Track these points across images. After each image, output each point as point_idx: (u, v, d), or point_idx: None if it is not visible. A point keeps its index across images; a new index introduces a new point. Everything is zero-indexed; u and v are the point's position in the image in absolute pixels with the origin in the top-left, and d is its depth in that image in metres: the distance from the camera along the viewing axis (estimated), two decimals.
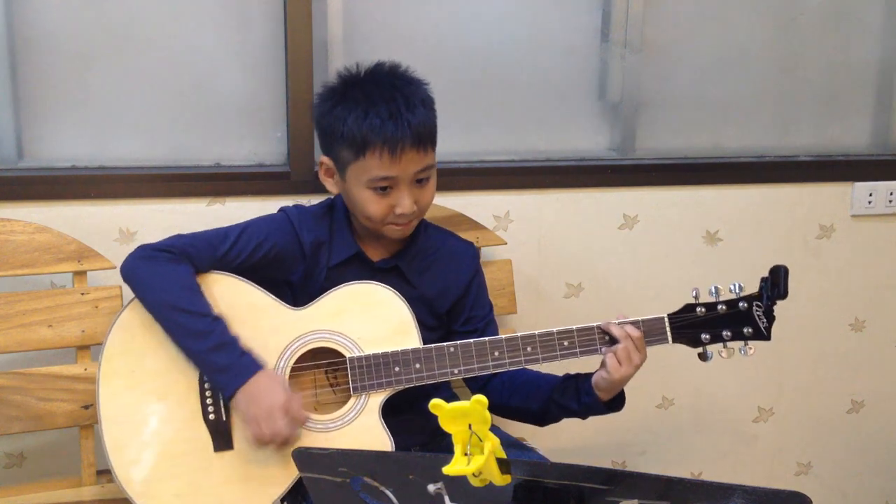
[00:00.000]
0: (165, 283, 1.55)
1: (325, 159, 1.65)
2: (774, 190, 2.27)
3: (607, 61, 2.17)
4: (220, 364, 1.52)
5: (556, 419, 1.70)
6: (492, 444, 0.99)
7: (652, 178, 2.18)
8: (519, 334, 1.58)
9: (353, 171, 1.59)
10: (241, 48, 1.96)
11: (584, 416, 1.66)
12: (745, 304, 1.59)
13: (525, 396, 1.69)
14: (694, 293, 1.59)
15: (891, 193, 2.33)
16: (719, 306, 1.59)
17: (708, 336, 1.60)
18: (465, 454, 0.99)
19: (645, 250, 2.21)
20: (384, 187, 1.58)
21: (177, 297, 1.54)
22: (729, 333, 1.60)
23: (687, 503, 0.98)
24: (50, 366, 1.76)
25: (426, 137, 1.58)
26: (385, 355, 1.57)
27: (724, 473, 2.38)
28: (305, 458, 1.13)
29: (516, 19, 2.10)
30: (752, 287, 1.61)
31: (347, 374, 1.58)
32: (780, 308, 2.32)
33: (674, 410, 2.32)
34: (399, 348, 1.58)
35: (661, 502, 0.99)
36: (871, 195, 2.32)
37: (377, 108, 1.55)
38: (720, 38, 2.23)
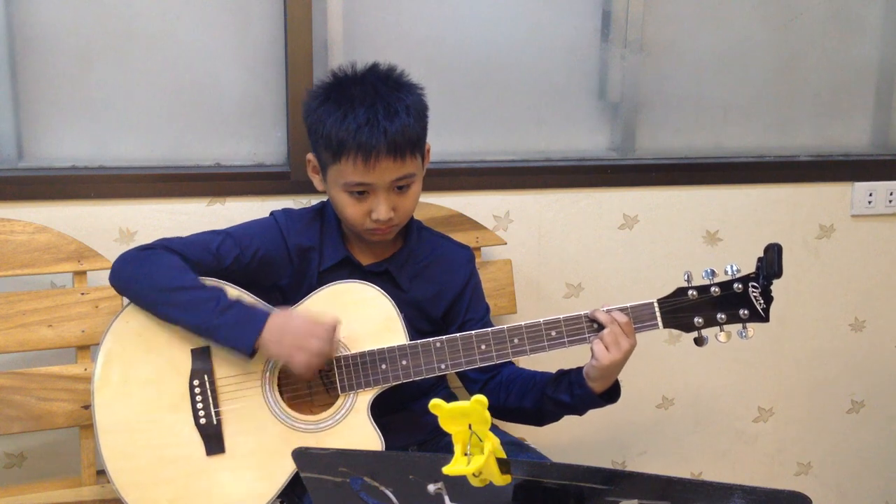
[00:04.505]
0: (156, 271, 1.56)
1: (311, 157, 1.66)
2: (774, 190, 2.27)
3: (607, 61, 2.17)
4: (230, 322, 1.52)
5: (554, 417, 1.69)
6: (492, 444, 0.99)
7: (652, 178, 2.18)
8: (505, 326, 1.57)
9: (332, 172, 1.59)
10: (241, 48, 1.96)
11: (580, 410, 1.64)
12: (741, 286, 1.54)
13: (520, 396, 1.68)
14: (686, 276, 1.55)
15: (891, 193, 2.33)
16: (712, 289, 1.54)
17: (701, 320, 1.55)
18: (465, 454, 0.99)
19: (645, 250, 2.21)
20: (360, 192, 1.58)
21: (170, 278, 1.55)
22: (724, 316, 1.54)
23: (687, 503, 0.98)
24: (50, 366, 1.76)
25: (404, 146, 1.56)
26: (371, 353, 1.57)
27: (724, 473, 2.38)
28: (305, 457, 1.13)
29: (516, 19, 2.10)
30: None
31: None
32: (780, 308, 2.32)
33: (674, 410, 2.32)
34: (385, 345, 1.58)
35: (661, 502, 0.99)
36: (871, 195, 2.32)
37: (355, 112, 1.54)
38: (720, 38, 2.23)
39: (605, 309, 1.56)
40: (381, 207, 1.58)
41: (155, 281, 1.55)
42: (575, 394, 1.60)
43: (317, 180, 1.68)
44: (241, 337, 1.52)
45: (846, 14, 2.30)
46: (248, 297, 1.59)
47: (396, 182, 1.58)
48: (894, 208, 2.34)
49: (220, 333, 1.53)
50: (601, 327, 1.55)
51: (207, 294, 1.54)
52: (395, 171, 1.57)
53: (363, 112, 1.54)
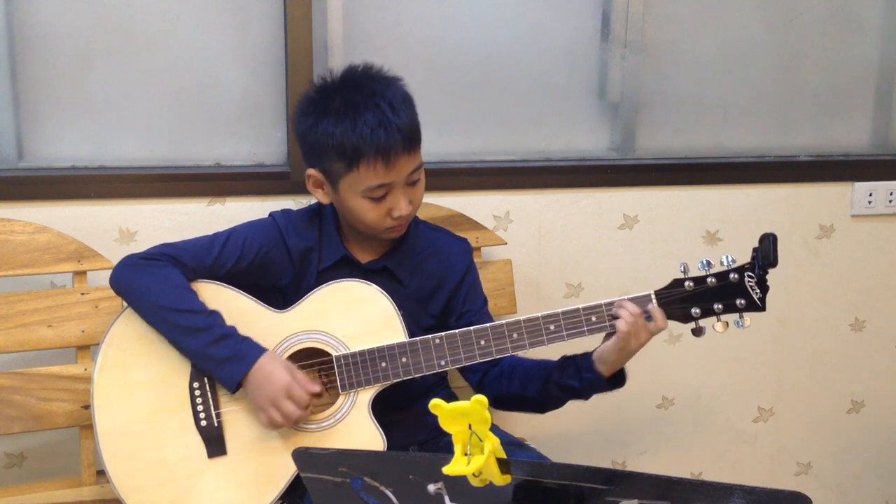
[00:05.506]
0: (156, 286, 1.56)
1: (313, 172, 1.63)
2: (774, 190, 2.27)
3: (607, 61, 2.17)
4: (222, 356, 1.52)
5: (558, 403, 1.68)
6: (492, 444, 0.99)
7: (652, 178, 2.18)
8: (504, 321, 1.57)
9: (347, 182, 1.58)
10: (241, 48, 1.96)
11: (586, 395, 1.64)
12: (736, 275, 1.54)
13: (523, 383, 1.68)
14: (682, 268, 1.55)
15: (891, 193, 2.33)
16: (709, 279, 1.55)
17: (698, 310, 1.55)
18: (465, 454, 0.99)
19: (645, 250, 2.21)
20: (381, 195, 1.58)
21: (169, 297, 1.55)
22: (721, 306, 1.55)
23: (687, 503, 0.98)
24: (50, 366, 1.76)
25: (414, 138, 1.58)
26: (371, 351, 1.57)
27: (724, 473, 2.38)
28: (305, 458, 1.13)
29: (516, 19, 2.10)
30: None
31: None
32: (780, 308, 2.32)
33: (674, 410, 2.32)
34: (385, 343, 1.58)
35: (661, 502, 0.99)
36: (871, 195, 2.32)
37: (364, 116, 1.54)
38: (720, 37, 2.23)
39: (604, 302, 1.56)
40: (401, 203, 1.58)
41: (152, 296, 1.56)
42: (584, 378, 1.60)
43: (320, 194, 1.65)
44: (228, 374, 1.53)
45: (846, 14, 2.30)
46: (249, 302, 1.59)
47: (411, 176, 1.59)
48: (894, 208, 2.34)
49: (208, 364, 1.55)
50: (599, 321, 1.55)
51: (202, 321, 1.54)
52: (410, 164, 1.58)
53: (371, 115, 1.54)
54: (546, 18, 2.12)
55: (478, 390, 1.74)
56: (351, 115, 1.54)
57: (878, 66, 2.35)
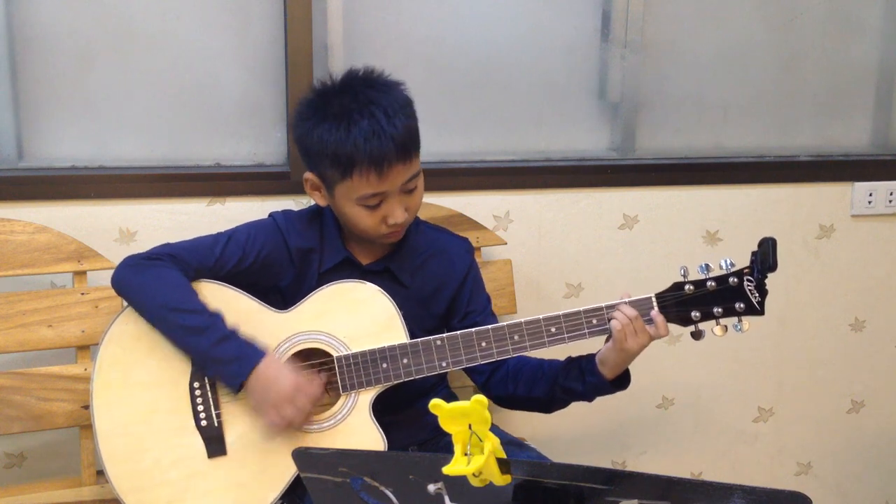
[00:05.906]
0: (158, 286, 1.56)
1: (311, 176, 1.63)
2: (774, 190, 2.27)
3: (607, 61, 2.17)
4: (227, 356, 1.52)
5: (563, 404, 1.69)
6: (492, 444, 0.99)
7: (652, 178, 2.18)
8: (505, 323, 1.58)
9: (341, 189, 1.58)
10: (241, 48, 1.96)
11: (589, 397, 1.64)
12: (736, 280, 1.55)
13: (529, 385, 1.68)
14: (682, 271, 1.56)
15: (891, 193, 2.33)
16: (709, 283, 1.55)
17: (698, 314, 1.56)
18: (465, 454, 0.99)
19: (645, 250, 2.21)
20: (375, 203, 1.58)
21: (171, 297, 1.55)
22: (720, 310, 1.55)
23: (687, 503, 0.98)
24: (50, 366, 1.76)
25: (410, 146, 1.57)
26: (372, 352, 1.57)
27: (724, 473, 2.38)
28: (305, 458, 1.13)
29: (516, 19, 2.10)
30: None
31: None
32: (780, 308, 2.32)
33: (674, 410, 2.32)
34: (386, 344, 1.58)
35: (661, 502, 0.99)
36: (871, 195, 2.32)
37: (359, 125, 1.52)
38: (720, 37, 2.23)
39: (606, 304, 1.56)
40: (396, 212, 1.58)
41: (154, 297, 1.56)
42: (587, 381, 1.61)
43: (317, 197, 1.65)
44: (231, 375, 1.53)
45: (846, 14, 2.30)
46: (250, 302, 1.59)
47: (406, 184, 1.58)
48: (894, 208, 2.34)
49: (210, 365, 1.55)
50: (600, 323, 1.55)
51: (204, 321, 1.54)
52: (406, 174, 1.57)
53: (366, 123, 1.53)
54: (546, 18, 2.12)
55: (483, 391, 1.74)
56: (346, 123, 1.53)
57: (878, 66, 2.35)
